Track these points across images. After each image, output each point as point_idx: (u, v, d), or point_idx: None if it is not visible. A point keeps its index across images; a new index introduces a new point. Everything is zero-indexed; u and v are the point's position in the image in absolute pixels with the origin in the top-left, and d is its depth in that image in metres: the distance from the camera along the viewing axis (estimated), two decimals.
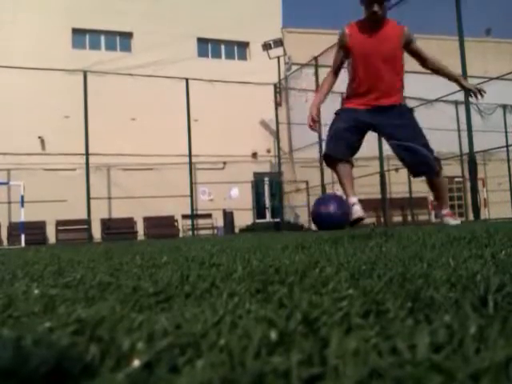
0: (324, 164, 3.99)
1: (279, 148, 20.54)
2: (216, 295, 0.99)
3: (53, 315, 0.85)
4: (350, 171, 3.94)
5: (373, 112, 3.99)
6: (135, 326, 0.68)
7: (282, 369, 0.48)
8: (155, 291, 1.08)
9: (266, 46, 19.99)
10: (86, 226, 16.67)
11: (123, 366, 0.53)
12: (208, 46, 21.51)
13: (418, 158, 3.84)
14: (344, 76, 4.38)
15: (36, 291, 1.19)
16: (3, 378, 0.48)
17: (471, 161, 11.37)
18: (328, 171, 19.22)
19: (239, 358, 0.52)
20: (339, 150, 3.86)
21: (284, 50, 20.34)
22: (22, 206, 14.24)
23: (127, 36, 20.57)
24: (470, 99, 4.27)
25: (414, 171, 4.04)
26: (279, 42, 20.05)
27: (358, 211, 3.50)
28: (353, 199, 3.63)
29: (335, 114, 4.11)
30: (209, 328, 0.65)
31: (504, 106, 22.58)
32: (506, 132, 20.00)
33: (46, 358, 0.54)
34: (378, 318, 0.74)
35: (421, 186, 20.99)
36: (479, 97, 4.17)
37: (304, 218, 21.00)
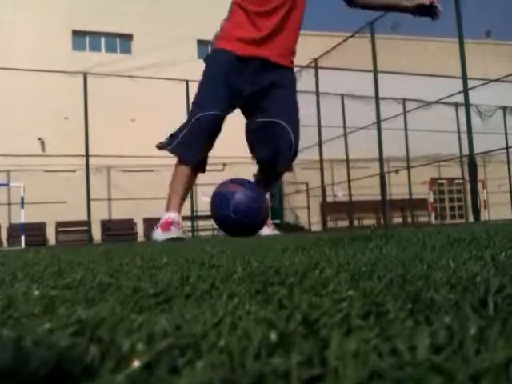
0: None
1: None
2: (216, 296, 0.99)
3: (53, 316, 0.85)
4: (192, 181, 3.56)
5: (257, 68, 3.04)
6: (135, 327, 0.68)
7: (282, 370, 0.48)
8: (155, 292, 1.08)
9: None
10: (85, 228, 16.66)
11: (123, 367, 0.53)
12: (208, 48, 21.56)
13: (284, 151, 3.14)
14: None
15: (36, 292, 1.19)
16: (3, 379, 0.48)
17: (471, 162, 11.37)
18: (328, 172, 19.25)
19: (239, 359, 0.52)
20: (196, 155, 3.33)
21: None
22: (22, 207, 14.25)
23: (127, 38, 20.60)
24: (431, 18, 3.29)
25: (273, 164, 3.21)
26: None
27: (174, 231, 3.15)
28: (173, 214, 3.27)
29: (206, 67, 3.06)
30: (209, 329, 0.65)
31: (504, 108, 22.61)
32: (506, 134, 20.01)
33: (46, 359, 0.54)
34: (378, 319, 0.74)
35: (421, 188, 21.00)
36: (437, 12, 3.43)
37: (304, 220, 21.01)
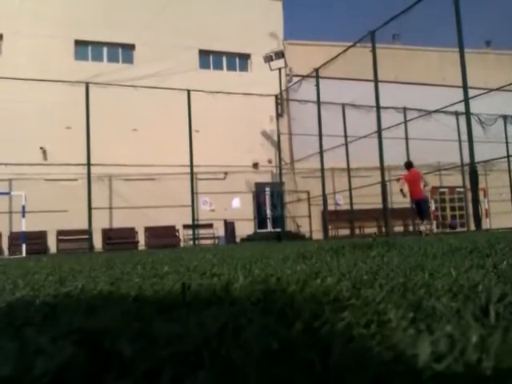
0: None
1: (280, 158, 20.57)
2: (218, 304, 0.99)
3: (55, 324, 0.85)
4: None
5: None
6: (137, 335, 0.68)
7: (285, 378, 0.48)
8: (157, 300, 1.08)
9: (268, 58, 20.13)
10: (86, 236, 16.65)
11: (126, 376, 0.53)
12: (210, 58, 21.65)
13: None
14: None
15: (37, 301, 1.19)
16: None
17: (472, 171, 11.37)
18: (329, 181, 19.25)
19: (241, 367, 0.52)
20: None
21: (285, 62, 20.46)
22: (23, 216, 14.24)
23: (129, 48, 20.72)
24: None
25: None
26: (280, 54, 20.17)
27: None
28: None
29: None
30: (211, 337, 0.64)
31: (504, 117, 22.64)
32: (507, 142, 20.02)
33: (48, 368, 0.54)
34: (380, 327, 0.74)
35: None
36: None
37: (305, 228, 20.94)
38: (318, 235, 20.04)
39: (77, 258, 5.71)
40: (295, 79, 20.89)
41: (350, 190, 19.00)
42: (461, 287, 1.04)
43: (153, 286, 1.48)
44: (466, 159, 12.53)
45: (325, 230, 19.11)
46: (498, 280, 1.13)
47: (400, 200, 19.73)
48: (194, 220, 18.07)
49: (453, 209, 23.34)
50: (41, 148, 18.28)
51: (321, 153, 18.12)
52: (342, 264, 1.83)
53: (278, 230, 20.15)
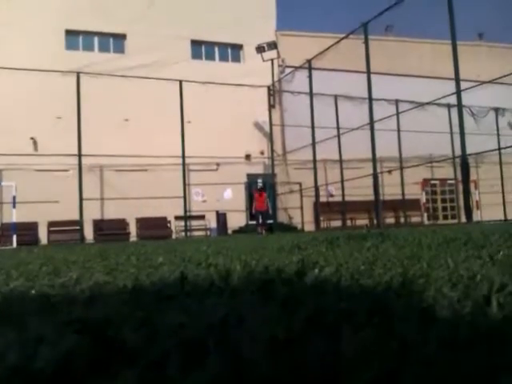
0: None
1: (273, 150, 20.54)
2: (217, 293, 0.98)
3: (53, 315, 0.84)
4: None
5: None
6: (139, 324, 0.68)
7: (292, 366, 0.48)
8: (154, 290, 1.08)
9: (260, 49, 20.02)
10: (77, 227, 16.55)
11: (129, 366, 0.52)
12: (202, 48, 21.48)
13: None
14: None
15: (33, 291, 1.18)
16: (12, 376, 0.47)
17: (464, 163, 11.44)
18: (321, 173, 19.30)
19: (247, 356, 0.51)
20: None
21: (278, 53, 20.37)
22: (14, 206, 14.10)
23: (121, 37, 20.49)
24: None
25: None
26: (273, 45, 20.07)
27: None
28: None
29: None
30: (215, 325, 0.64)
31: (496, 110, 22.75)
32: (498, 135, 20.15)
33: (51, 358, 0.53)
34: (382, 317, 0.74)
35: (413, 188, 21.10)
36: None
37: (297, 219, 20.97)
38: (309, 227, 20.09)
39: (69, 248, 5.67)
40: (288, 70, 20.83)
41: (342, 181, 19.05)
42: (460, 277, 1.04)
43: (149, 276, 1.47)
44: (458, 151, 12.58)
45: (317, 222, 19.16)
46: (496, 270, 1.14)
47: (391, 192, 19.93)
48: (185, 211, 18.02)
49: (444, 201, 23.49)
50: (31, 138, 18.09)
51: (313, 144, 18.12)
52: (338, 255, 1.83)
53: (270, 221, 20.12)
